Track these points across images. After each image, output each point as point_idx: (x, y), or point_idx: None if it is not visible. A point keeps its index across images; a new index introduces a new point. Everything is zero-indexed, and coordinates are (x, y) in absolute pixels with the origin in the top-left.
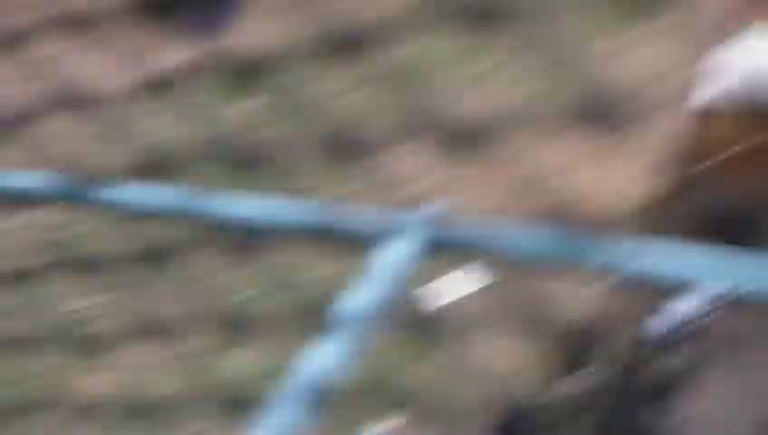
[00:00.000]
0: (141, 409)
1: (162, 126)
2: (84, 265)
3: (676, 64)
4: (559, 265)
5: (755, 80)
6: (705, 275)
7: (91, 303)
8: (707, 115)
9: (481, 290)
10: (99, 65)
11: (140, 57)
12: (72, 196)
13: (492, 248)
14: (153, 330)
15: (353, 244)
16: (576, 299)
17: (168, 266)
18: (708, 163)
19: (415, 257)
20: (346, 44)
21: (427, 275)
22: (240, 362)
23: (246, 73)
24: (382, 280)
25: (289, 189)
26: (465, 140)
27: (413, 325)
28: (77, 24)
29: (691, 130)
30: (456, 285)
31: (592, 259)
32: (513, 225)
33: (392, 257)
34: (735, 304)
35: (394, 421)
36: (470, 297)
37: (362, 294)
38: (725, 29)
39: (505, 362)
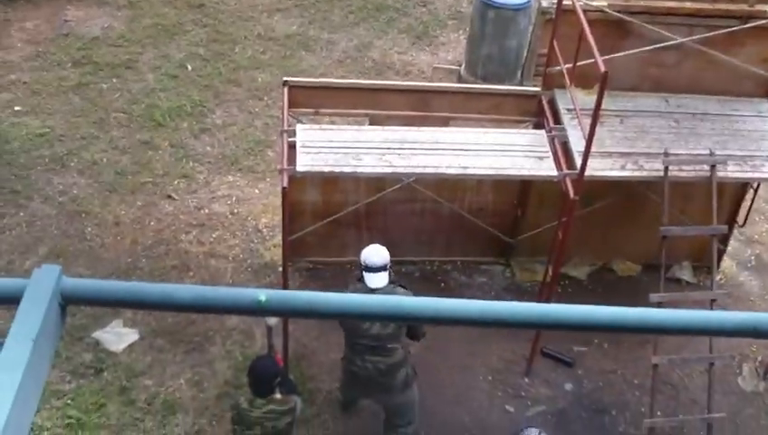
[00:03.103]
0: None
1: None
2: None
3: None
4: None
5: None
6: None
7: None
8: (294, 179)
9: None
10: None
11: None
12: None
13: (127, 301)
14: None
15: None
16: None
17: None
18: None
19: (54, 312)
20: None
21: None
22: None
23: None
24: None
25: None
26: None
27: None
28: None
29: (286, 193)
30: (119, 335)
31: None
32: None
33: (35, 314)
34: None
35: None
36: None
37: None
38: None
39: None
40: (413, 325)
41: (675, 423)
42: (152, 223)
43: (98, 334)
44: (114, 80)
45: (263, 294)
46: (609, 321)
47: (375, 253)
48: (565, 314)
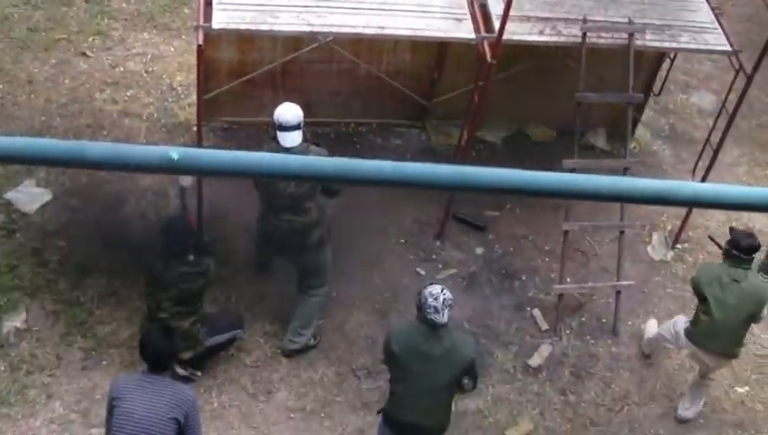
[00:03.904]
0: None
1: None
2: None
3: None
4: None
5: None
6: None
7: None
8: (210, 37)
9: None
10: None
11: None
12: None
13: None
14: None
15: None
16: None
17: None
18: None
19: None
20: None
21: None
22: None
23: None
24: None
25: None
26: None
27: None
28: None
29: (201, 50)
30: (32, 195)
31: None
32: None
33: None
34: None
35: None
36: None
37: None
38: None
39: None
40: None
41: (584, 290)
42: (66, 81)
43: (10, 195)
44: None
45: (175, 152)
46: (520, 184)
47: (288, 111)
48: (477, 176)
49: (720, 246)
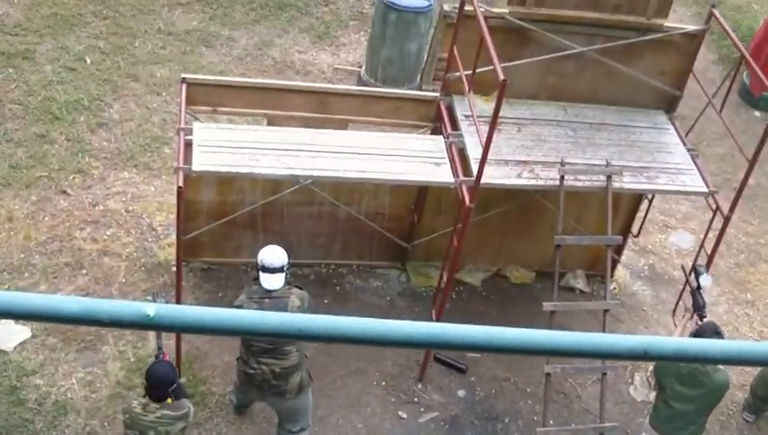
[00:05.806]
0: None
1: None
2: None
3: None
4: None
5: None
6: None
7: None
8: (190, 178)
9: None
10: None
11: None
12: None
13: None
14: None
15: None
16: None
17: None
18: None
19: None
20: None
21: None
22: None
23: None
24: None
25: None
26: None
27: None
28: None
29: (181, 192)
30: (10, 332)
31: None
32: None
33: None
34: None
35: None
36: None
37: None
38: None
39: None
40: None
41: (567, 433)
42: (46, 219)
43: None
44: (10, 70)
45: (151, 309)
46: (501, 343)
47: (272, 253)
48: (460, 336)
49: None
